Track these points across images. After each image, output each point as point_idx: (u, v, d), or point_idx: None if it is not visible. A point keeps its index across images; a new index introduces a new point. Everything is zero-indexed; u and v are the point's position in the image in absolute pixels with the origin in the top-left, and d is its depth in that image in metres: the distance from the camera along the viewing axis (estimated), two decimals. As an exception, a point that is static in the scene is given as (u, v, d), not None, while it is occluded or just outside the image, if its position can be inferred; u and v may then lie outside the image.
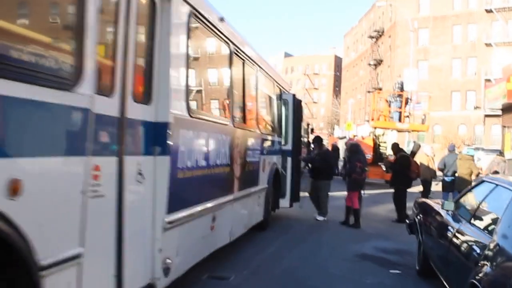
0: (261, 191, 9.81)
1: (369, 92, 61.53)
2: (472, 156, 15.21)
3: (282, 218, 12.33)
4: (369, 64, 70.53)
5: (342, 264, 8.35)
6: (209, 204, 6.33)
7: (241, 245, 8.79)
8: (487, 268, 4.24)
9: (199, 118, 5.91)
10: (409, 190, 23.28)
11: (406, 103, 23.78)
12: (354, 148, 12.96)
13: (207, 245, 6.53)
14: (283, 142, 11.88)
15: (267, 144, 10.20)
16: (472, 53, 54.00)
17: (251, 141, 8.70)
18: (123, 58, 4.19)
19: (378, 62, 67.92)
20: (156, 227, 4.82)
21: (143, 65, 4.83)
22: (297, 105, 12.71)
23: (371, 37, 70.58)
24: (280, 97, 11.77)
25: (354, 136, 29.94)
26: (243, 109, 8.38)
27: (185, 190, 5.49)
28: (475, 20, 54.29)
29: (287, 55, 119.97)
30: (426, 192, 16.05)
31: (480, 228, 5.25)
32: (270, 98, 11.05)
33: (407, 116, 24.19)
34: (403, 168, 13.11)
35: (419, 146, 15.17)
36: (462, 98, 55.03)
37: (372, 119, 24.65)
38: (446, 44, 55.53)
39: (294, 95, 12.18)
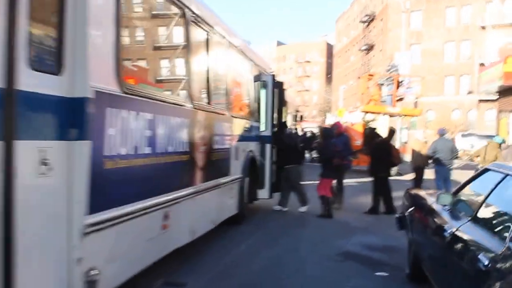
0: (234, 182, 8.76)
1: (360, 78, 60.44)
2: (500, 143, 14.57)
3: (260, 211, 11.31)
4: (361, 49, 69.51)
5: (322, 264, 7.36)
6: (157, 200, 5.27)
7: (210, 243, 7.79)
8: (502, 285, 3.20)
9: (138, 96, 4.81)
10: (401, 178, 22.49)
11: (398, 86, 22.62)
12: (327, 133, 11.93)
13: (156, 247, 5.47)
14: (262, 128, 10.81)
15: (241, 129, 9.14)
16: (466, 36, 52.88)
17: (219, 126, 7.62)
18: (8, 7, 3.11)
19: (370, 47, 66.91)
20: (72, 231, 3.77)
21: (48, 19, 3.75)
22: (278, 88, 11.66)
23: (363, 22, 69.54)
24: (258, 78, 10.68)
25: (343, 123, 28.89)
26: (208, 88, 7.27)
27: (117, 184, 4.43)
28: (469, 2, 53.15)
29: (279, 43, 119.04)
30: (419, 180, 15.04)
31: (486, 229, 4.17)
32: (245, 78, 9.94)
33: (399, 100, 23.07)
34: (383, 154, 11.87)
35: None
36: (456, 82, 53.99)
37: (365, 103, 23.65)
38: (439, 27, 54.39)
39: (273, 76, 11.09)
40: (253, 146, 10.15)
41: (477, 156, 15.12)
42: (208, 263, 6.98)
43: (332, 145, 11.29)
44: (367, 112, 22.91)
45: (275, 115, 11.59)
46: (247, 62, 9.86)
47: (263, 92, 10.89)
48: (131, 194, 4.70)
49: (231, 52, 8.53)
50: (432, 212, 5.69)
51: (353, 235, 9.35)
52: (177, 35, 6.58)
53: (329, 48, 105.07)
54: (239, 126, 8.89)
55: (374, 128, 13.06)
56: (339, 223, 10.54)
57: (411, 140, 24.53)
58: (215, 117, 7.49)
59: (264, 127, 10.81)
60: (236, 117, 8.73)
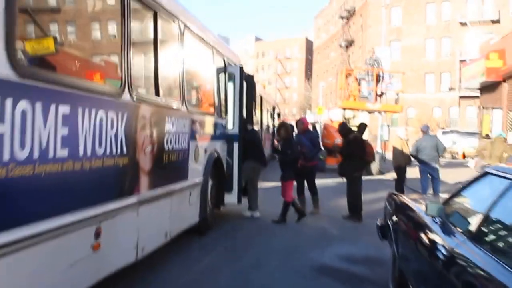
0: (194, 186, 7.70)
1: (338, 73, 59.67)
2: (505, 138, 14.08)
3: (230, 217, 10.30)
4: (340, 46, 68.80)
5: (293, 282, 6.35)
6: (82, 215, 4.21)
7: (167, 258, 6.82)
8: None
9: (46, 82, 3.74)
10: (381, 177, 21.60)
11: (378, 81, 21.63)
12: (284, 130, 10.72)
13: (85, 273, 4.40)
14: (229, 125, 9.78)
15: (202, 126, 8.06)
16: (446, 33, 52.37)
17: (171, 123, 6.52)
18: None
19: (350, 43, 66.21)
20: None
21: None
22: (248, 81, 10.66)
23: (342, 17, 68.82)
24: (224, 70, 9.63)
25: (323, 120, 27.95)
26: (155, 77, 6.18)
27: (12, 198, 3.36)
28: (449, -2, 52.60)
29: (257, 39, 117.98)
30: (400, 180, 14.18)
31: (493, 255, 3.16)
32: (207, 70, 8.87)
33: (379, 95, 22.12)
34: (357, 151, 10.71)
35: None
36: (437, 79, 53.48)
37: (344, 99, 22.58)
38: (419, 24, 53.77)
39: (241, 68, 10.02)
40: (218, 145, 9.12)
41: (483, 151, 14.41)
42: (162, 283, 5.95)
43: (294, 144, 10.37)
44: (345, 109, 21.96)
45: (245, 111, 10.68)
46: (209, 50, 8.80)
47: (230, 86, 9.86)
48: (39, 209, 3.64)
49: (189, 37, 7.47)
50: (420, 224, 4.70)
51: (329, 245, 8.37)
52: (106, 4, 5.53)
53: (309, 44, 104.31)
54: (199, 123, 7.82)
55: (346, 123, 12.28)
56: (314, 230, 9.54)
57: (392, 137, 23.71)
58: (166, 112, 6.40)
59: (231, 125, 9.78)
60: (194, 113, 7.66)
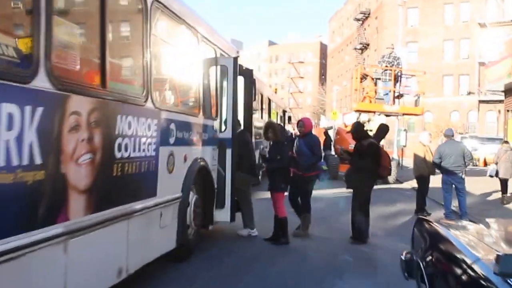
0: (167, 205, 6.08)
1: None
2: None
3: (220, 237, 8.68)
4: (355, 49, 67.01)
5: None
6: None
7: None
8: None
9: None
10: (398, 186, 19.85)
11: (396, 81, 19.80)
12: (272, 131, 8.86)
13: None
14: (223, 128, 8.16)
15: (180, 129, 6.39)
16: (465, 34, 50.34)
17: (128, 123, 4.89)
18: None
19: (365, 46, 64.43)
20: None
21: None
22: (246, 77, 9.07)
23: (357, 20, 67.09)
24: (215, 62, 8.02)
25: (338, 125, 26.20)
26: (101, 62, 4.55)
27: None
28: (468, -2, 50.64)
29: (271, 43, 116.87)
30: (422, 192, 12.47)
31: None
32: (188, 59, 7.17)
33: (398, 97, 20.25)
34: (369, 162, 8.61)
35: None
36: (455, 82, 51.43)
37: (359, 101, 20.79)
38: (437, 25, 51.81)
39: (235, 59, 8.30)
40: (205, 152, 7.51)
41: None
42: None
43: (284, 149, 8.72)
44: (360, 111, 20.18)
45: (244, 112, 9.17)
46: (195, 38, 7.20)
47: (222, 81, 8.24)
48: None
49: (157, 12, 5.87)
50: (479, 282, 3.00)
51: (340, 276, 6.70)
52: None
53: (323, 48, 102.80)
54: (175, 124, 6.18)
55: (362, 124, 10.07)
56: (321, 256, 7.86)
57: (411, 143, 21.96)
58: (120, 108, 4.78)
59: (223, 127, 8.16)
60: (167, 111, 6.03)
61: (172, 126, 6.10)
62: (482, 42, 45.14)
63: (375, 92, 20.18)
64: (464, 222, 4.99)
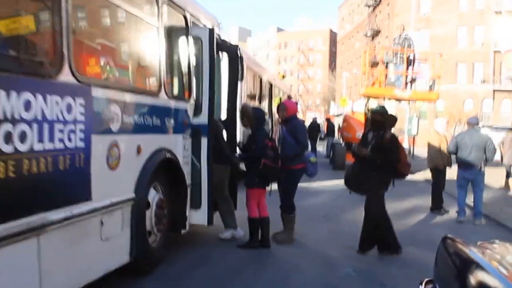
0: (112, 210, 4.68)
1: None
2: None
3: (196, 243, 7.26)
4: (366, 35, 65.13)
5: None
6: None
7: None
8: None
9: None
10: (410, 177, 18.26)
11: (409, 64, 18.07)
12: (257, 116, 7.38)
13: None
14: (193, 113, 6.70)
15: (126, 112, 4.91)
16: (480, 21, 48.32)
17: (24, 103, 3.46)
18: None
19: (376, 33, 62.53)
20: None
21: None
22: (230, 52, 7.70)
23: (368, 6, 65.15)
24: (185, 32, 6.55)
25: (348, 112, 24.63)
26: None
27: None
28: (483, -16, 48.54)
29: (279, 30, 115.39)
30: (438, 186, 11.01)
31: None
32: (142, 27, 5.64)
33: (410, 82, 18.49)
34: (387, 159, 6.84)
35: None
36: (469, 70, 49.44)
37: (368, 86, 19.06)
38: (450, 12, 49.75)
39: (212, 31, 6.74)
40: (172, 141, 6.10)
41: None
42: None
43: (260, 137, 7.16)
44: (369, 97, 18.51)
45: (228, 95, 7.75)
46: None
47: (197, 57, 6.79)
48: None
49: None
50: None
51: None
52: None
53: (333, 36, 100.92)
54: (119, 106, 4.72)
55: (384, 111, 7.25)
56: (315, 270, 6.41)
57: (422, 131, 20.45)
58: (11, 83, 3.37)
59: (198, 111, 6.71)
60: (104, 87, 4.58)
61: (114, 108, 4.65)
62: (497, 30, 43.35)
63: (385, 76, 18.54)
64: (507, 245, 3.55)
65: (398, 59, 17.76)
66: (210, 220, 6.73)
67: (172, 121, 6.05)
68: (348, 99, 43.20)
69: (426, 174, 17.46)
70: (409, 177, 18.65)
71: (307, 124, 27.26)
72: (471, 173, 9.82)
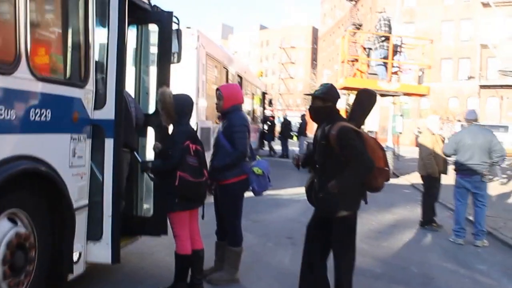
0: None
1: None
2: None
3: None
4: (347, 30, 63.47)
5: None
6: None
7: None
8: None
9: None
10: (395, 181, 16.39)
11: (395, 52, 15.95)
12: (179, 109, 4.98)
13: None
14: (92, 103, 4.64)
15: None
16: (466, 14, 46.60)
17: None
18: None
19: (358, 27, 60.72)
20: None
21: None
22: (161, 23, 5.72)
23: (350, 0, 63.51)
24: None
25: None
26: None
27: None
28: (470, -25, 46.80)
29: (262, 27, 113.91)
30: (430, 196, 9.08)
31: None
32: None
33: (396, 73, 16.36)
34: (355, 165, 4.41)
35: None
36: (454, 67, 47.73)
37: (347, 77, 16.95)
38: (435, 4, 48.01)
39: None
40: (44, 144, 4.01)
41: None
42: None
43: (180, 137, 4.87)
44: (349, 90, 16.44)
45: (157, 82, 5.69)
46: None
47: (102, 22, 4.78)
48: None
49: None
50: None
51: None
52: None
53: (315, 33, 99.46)
54: None
55: (329, 92, 4.71)
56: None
57: (408, 131, 18.58)
58: None
59: (101, 102, 4.67)
60: None
61: None
62: (485, 23, 41.73)
63: (368, 66, 16.46)
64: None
65: (380, 44, 15.48)
66: (115, 257, 4.69)
67: (47, 114, 3.99)
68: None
69: (413, 178, 15.58)
70: (394, 181, 16.89)
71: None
72: (472, 182, 7.92)
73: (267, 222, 8.46)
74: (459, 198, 8.14)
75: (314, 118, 4.80)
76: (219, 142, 5.31)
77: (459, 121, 36.48)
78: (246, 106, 18.88)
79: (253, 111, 20.34)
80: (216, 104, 5.46)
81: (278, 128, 26.95)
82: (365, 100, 4.79)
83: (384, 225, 9.08)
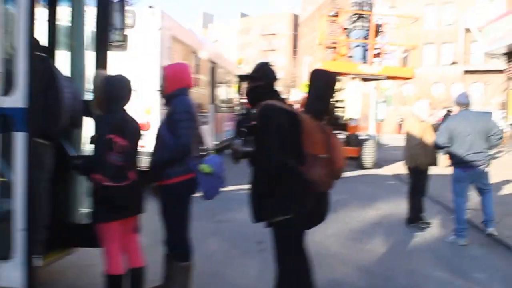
0: None
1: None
2: None
3: None
4: (328, 16, 62.50)
5: None
6: None
7: None
8: None
9: None
10: (378, 172, 15.52)
11: (377, 33, 14.86)
12: (110, 95, 4.02)
13: None
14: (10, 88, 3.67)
15: None
16: (449, -2, 45.92)
17: None
18: None
19: (339, 12, 60.00)
20: None
21: None
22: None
23: (331, -15, 62.56)
24: None
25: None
26: None
27: None
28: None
29: (243, 15, 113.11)
30: (418, 190, 8.15)
31: None
32: None
33: (378, 55, 15.33)
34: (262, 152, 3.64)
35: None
36: (437, 52, 46.97)
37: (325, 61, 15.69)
38: (417, -12, 47.14)
39: None
40: None
41: None
42: None
43: (104, 129, 3.91)
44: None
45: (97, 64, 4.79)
46: None
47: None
48: None
49: None
50: None
51: None
52: None
53: (296, 20, 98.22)
54: None
55: (262, 69, 4.02)
56: None
57: (390, 119, 17.76)
58: None
59: (9, 87, 3.67)
60: None
61: None
62: (468, 6, 40.96)
63: (348, 48, 15.45)
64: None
65: (363, 24, 14.32)
66: (30, 280, 3.71)
67: None
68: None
69: (396, 168, 14.71)
70: (376, 171, 16.04)
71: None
72: (475, 175, 7.02)
73: (236, 223, 7.48)
74: (460, 194, 7.19)
75: (249, 101, 3.98)
76: (160, 133, 4.31)
77: (445, 107, 35.85)
78: (222, 94, 17.94)
79: (230, 99, 19.44)
80: (160, 88, 4.45)
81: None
82: (315, 82, 4.00)
83: (366, 223, 8.16)
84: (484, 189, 7.15)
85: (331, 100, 4.04)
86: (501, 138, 7.07)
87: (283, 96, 3.95)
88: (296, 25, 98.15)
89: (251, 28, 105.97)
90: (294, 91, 63.05)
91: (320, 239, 6.50)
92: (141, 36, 8.85)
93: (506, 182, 11.69)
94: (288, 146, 3.55)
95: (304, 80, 46.55)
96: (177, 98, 4.27)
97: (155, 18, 9.87)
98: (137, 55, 8.73)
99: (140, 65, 9.17)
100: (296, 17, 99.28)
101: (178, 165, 4.18)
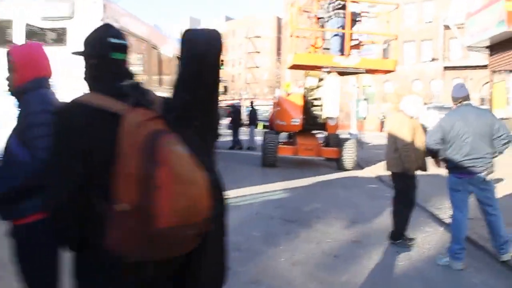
0: None
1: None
2: None
3: None
4: (309, 17, 61.84)
5: None
6: None
7: None
8: None
9: None
10: (358, 173, 14.30)
11: (354, 23, 13.45)
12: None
13: None
14: None
15: None
16: (428, -6, 45.22)
17: None
18: None
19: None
20: None
21: None
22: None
23: (312, -13, 61.95)
24: None
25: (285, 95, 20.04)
26: None
27: None
28: (432, -48, 45.03)
29: (228, 19, 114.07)
30: (403, 198, 6.81)
31: None
32: None
33: (356, 46, 13.98)
34: None
35: None
36: (417, 49, 46.27)
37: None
38: (397, -15, 46.31)
39: None
40: None
41: None
42: None
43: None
44: (298, 68, 14.10)
45: None
46: None
47: None
48: None
49: None
50: None
51: None
52: None
53: (280, 22, 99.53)
54: None
55: None
56: None
57: (372, 117, 16.60)
58: None
59: None
60: None
61: None
62: (448, 3, 40.14)
63: (323, 39, 14.17)
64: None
65: (338, 13, 12.89)
66: None
67: None
68: (293, 85, 39.55)
69: (378, 169, 13.52)
70: (357, 172, 14.81)
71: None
72: (475, 183, 5.71)
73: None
74: (459, 208, 5.87)
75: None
76: (8, 148, 2.90)
77: (425, 104, 34.87)
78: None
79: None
80: (6, 79, 3.04)
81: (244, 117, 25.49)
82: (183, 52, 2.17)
83: (343, 242, 6.81)
84: (490, 209, 5.76)
85: (210, 86, 2.23)
86: (509, 142, 5.73)
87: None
88: (279, 28, 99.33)
89: (237, 31, 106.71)
90: (277, 91, 62.93)
91: (282, 269, 5.19)
92: (81, 29, 7.63)
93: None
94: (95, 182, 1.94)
95: (288, 80, 45.61)
96: (30, 93, 2.87)
97: (96, 7, 8.70)
98: (77, 49, 7.48)
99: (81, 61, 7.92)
100: (279, 20, 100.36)
101: (36, 195, 2.68)
